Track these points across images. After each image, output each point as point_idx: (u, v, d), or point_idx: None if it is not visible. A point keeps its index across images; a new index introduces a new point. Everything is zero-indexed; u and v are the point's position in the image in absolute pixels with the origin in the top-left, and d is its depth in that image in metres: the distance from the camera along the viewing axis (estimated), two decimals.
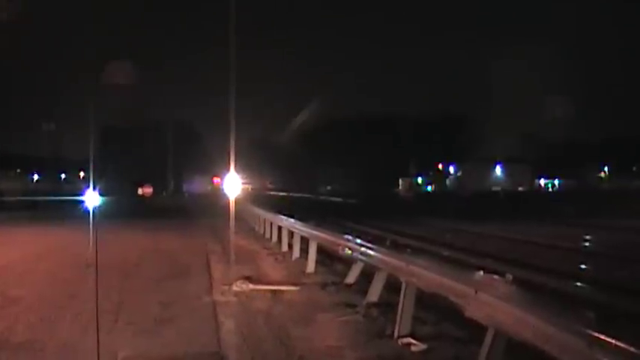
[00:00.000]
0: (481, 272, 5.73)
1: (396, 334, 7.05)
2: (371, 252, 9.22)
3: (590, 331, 3.91)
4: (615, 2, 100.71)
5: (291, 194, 74.88)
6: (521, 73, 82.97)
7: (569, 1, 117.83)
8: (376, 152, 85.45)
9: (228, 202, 13.76)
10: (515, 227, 24.67)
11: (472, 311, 5.62)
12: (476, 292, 5.55)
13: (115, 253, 13.96)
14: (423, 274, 6.93)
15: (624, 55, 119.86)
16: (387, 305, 8.44)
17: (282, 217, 16.89)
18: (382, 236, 16.70)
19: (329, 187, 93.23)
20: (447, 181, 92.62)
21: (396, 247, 9.01)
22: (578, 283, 11.62)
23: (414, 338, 6.89)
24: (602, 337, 3.79)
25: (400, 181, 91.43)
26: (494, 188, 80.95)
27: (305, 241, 13.82)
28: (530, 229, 24.09)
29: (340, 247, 10.95)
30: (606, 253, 16.62)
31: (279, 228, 17.11)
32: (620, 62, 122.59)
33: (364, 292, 9.23)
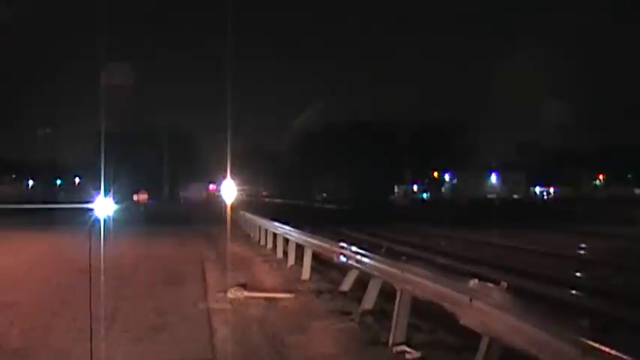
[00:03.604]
0: (476, 280, 5.73)
1: (390, 341, 7.04)
2: (366, 259, 9.22)
3: (584, 340, 3.92)
4: (616, 10, 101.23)
5: (285, 201, 74.87)
6: (518, 81, 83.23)
7: (569, 9, 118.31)
8: (371, 159, 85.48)
9: (224, 209, 13.75)
10: (510, 235, 24.72)
11: (467, 319, 5.63)
12: (470, 300, 5.55)
13: (109, 260, 13.89)
14: (418, 281, 6.94)
15: (622, 64, 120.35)
16: (382, 313, 8.45)
17: (277, 224, 16.87)
18: (377, 244, 16.71)
19: (324, 194, 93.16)
20: (443, 189, 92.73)
21: (391, 255, 9.01)
22: (573, 291, 11.64)
23: (408, 346, 6.88)
24: (597, 345, 3.80)
25: (395, 188, 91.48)
26: (490, 196, 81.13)
27: (300, 249, 13.81)
28: (525, 236, 24.12)
29: (335, 255, 10.95)
30: (602, 260, 16.65)
31: (274, 235, 17.09)
32: (618, 71, 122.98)
33: (359, 300, 9.23)
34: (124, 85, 66.39)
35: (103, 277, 10.71)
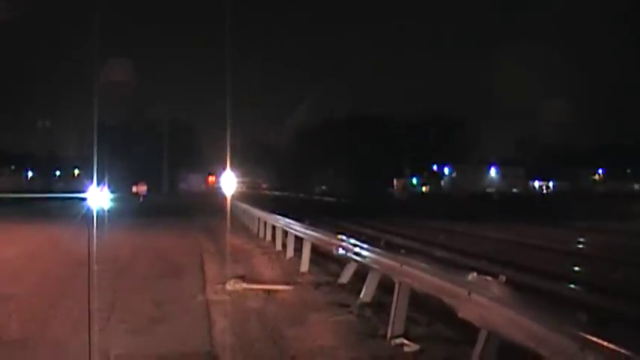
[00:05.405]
0: (474, 273, 5.72)
1: (389, 334, 7.05)
2: (365, 252, 9.22)
3: (582, 334, 3.92)
4: (616, 8, 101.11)
5: (285, 194, 74.91)
6: (518, 76, 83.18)
7: (569, 5, 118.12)
8: (371, 152, 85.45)
9: (223, 201, 13.71)
10: (509, 229, 24.72)
11: (465, 312, 5.63)
12: (469, 293, 5.55)
13: (108, 251, 13.90)
14: (417, 274, 6.94)
15: (622, 61, 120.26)
16: (380, 305, 8.45)
17: (277, 216, 16.86)
18: (376, 236, 16.71)
19: (323, 187, 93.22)
20: (442, 182, 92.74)
21: (390, 248, 9.02)
22: (571, 285, 11.65)
23: (407, 339, 6.89)
24: (595, 339, 3.80)
25: (394, 181, 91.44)
26: (489, 190, 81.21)
27: (299, 241, 13.80)
28: (524, 230, 24.13)
29: (334, 247, 10.95)
30: (600, 255, 16.66)
31: (273, 227, 17.08)
32: (617, 68, 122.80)
33: (358, 292, 9.23)
34: (124, 79, 66.36)
35: (101, 269, 10.74)
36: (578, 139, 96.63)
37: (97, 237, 12.46)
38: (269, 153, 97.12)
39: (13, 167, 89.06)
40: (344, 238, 10.54)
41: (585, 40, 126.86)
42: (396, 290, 7.33)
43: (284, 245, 15.33)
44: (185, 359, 6.70)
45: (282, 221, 15.89)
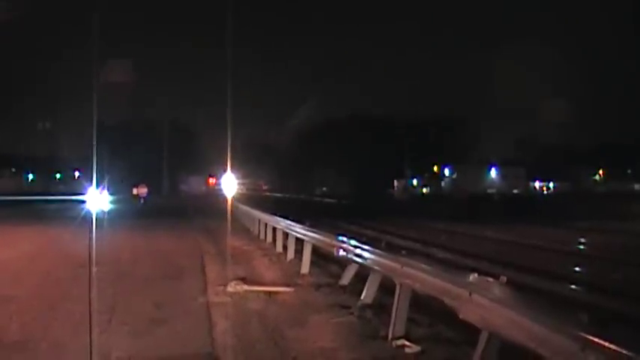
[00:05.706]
0: (475, 274, 5.72)
1: (390, 335, 7.05)
2: (366, 254, 9.21)
3: (583, 334, 3.92)
4: (616, 8, 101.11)
5: (285, 195, 74.88)
6: (518, 76, 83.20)
7: (569, 4, 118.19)
8: (371, 153, 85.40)
9: (224, 202, 13.69)
10: (510, 230, 24.71)
11: (466, 313, 5.63)
12: (470, 294, 5.55)
13: (108, 253, 13.89)
14: (418, 276, 6.94)
15: (622, 61, 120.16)
16: (382, 307, 8.45)
17: (277, 218, 16.84)
18: (377, 237, 16.70)
19: (324, 189, 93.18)
20: (442, 183, 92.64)
21: (391, 249, 9.00)
22: (572, 286, 11.65)
23: (408, 340, 6.89)
24: (596, 339, 3.80)
25: (395, 182, 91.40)
26: (489, 190, 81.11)
27: (299, 243, 13.79)
28: (526, 231, 24.12)
29: (335, 249, 10.94)
30: (601, 255, 16.66)
31: (274, 229, 17.07)
32: (617, 68, 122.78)
33: (358, 294, 9.23)
34: (124, 79, 66.30)
35: (101, 271, 10.75)
36: (578, 139, 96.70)
37: (97, 239, 12.48)
38: (270, 154, 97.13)
39: (13, 169, 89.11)
40: (345, 239, 10.53)
41: (585, 39, 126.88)
42: (397, 292, 7.32)
43: (285, 247, 15.32)
44: None
45: (282, 223, 15.87)
